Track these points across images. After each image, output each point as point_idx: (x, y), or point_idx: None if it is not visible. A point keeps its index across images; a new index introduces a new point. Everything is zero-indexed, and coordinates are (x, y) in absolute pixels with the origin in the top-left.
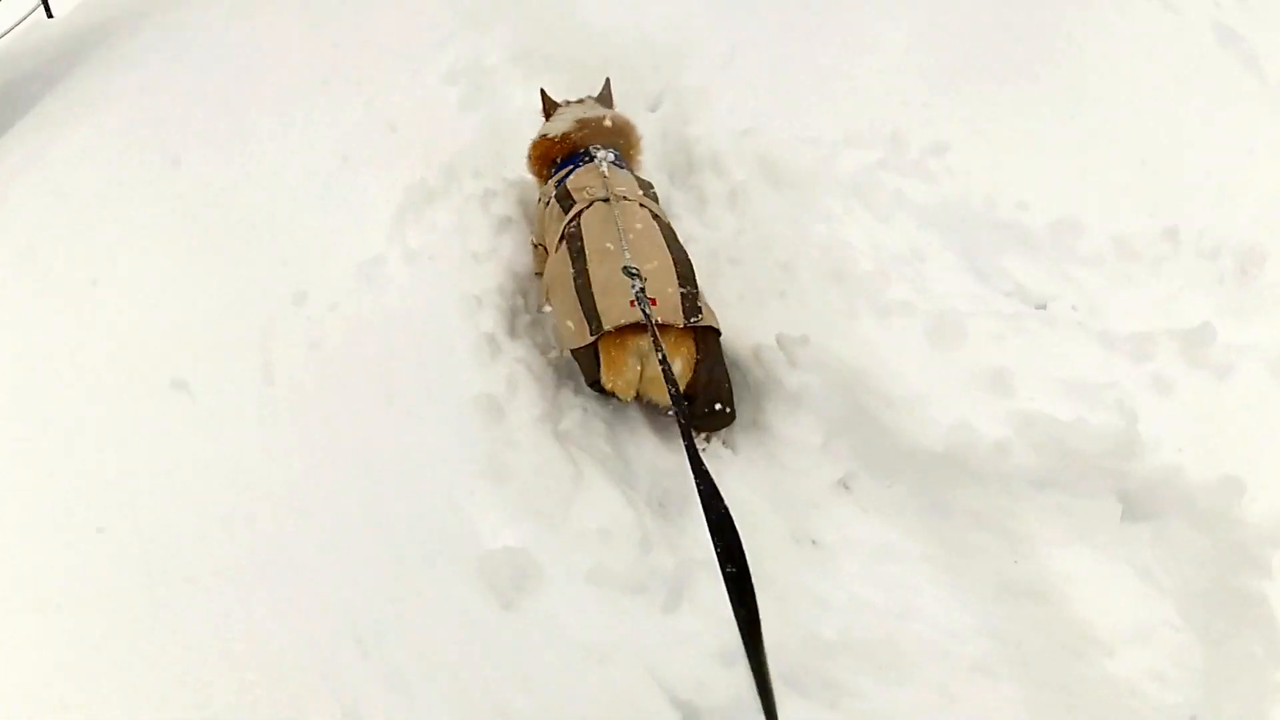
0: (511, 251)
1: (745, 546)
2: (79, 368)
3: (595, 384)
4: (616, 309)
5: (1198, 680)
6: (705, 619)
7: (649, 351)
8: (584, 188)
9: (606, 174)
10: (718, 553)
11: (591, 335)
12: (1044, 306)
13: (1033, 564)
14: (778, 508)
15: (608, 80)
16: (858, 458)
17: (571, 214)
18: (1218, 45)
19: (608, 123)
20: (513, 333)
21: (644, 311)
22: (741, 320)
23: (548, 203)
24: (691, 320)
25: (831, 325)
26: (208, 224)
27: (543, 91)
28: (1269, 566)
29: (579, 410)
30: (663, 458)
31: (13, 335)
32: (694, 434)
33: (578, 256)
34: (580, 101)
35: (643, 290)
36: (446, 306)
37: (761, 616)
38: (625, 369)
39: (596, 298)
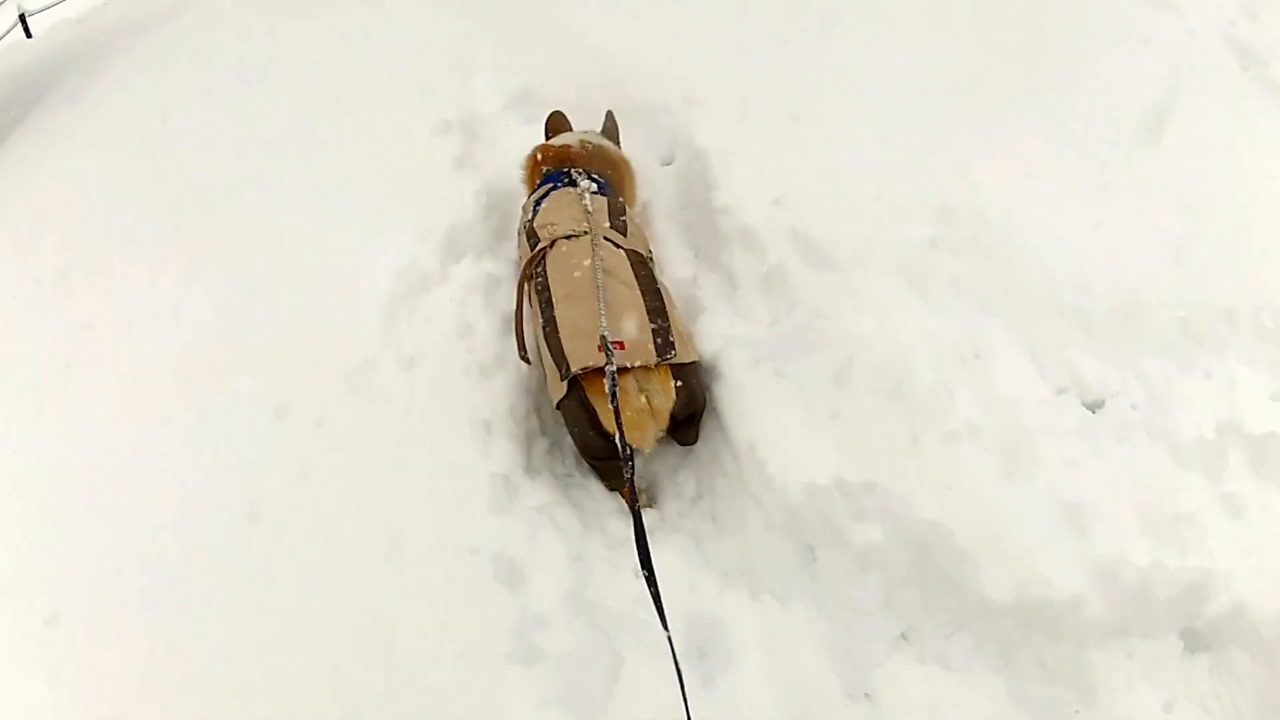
0: (518, 362)
1: (791, 698)
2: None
3: (588, 448)
4: (583, 351)
5: None
6: None
7: (642, 389)
8: (548, 224)
9: (590, 206)
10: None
11: (562, 380)
12: (1103, 403)
13: (1096, 713)
14: (831, 662)
15: (610, 114)
16: (921, 610)
17: (535, 254)
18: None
19: (611, 154)
20: (529, 468)
21: (607, 355)
22: (793, 450)
23: (525, 224)
24: (665, 357)
25: (896, 462)
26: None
27: (561, 114)
28: None
29: (608, 566)
30: (701, 600)
31: None
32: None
33: (546, 306)
34: (587, 130)
35: (605, 339)
36: (452, 435)
37: None
38: (627, 403)
39: (564, 341)
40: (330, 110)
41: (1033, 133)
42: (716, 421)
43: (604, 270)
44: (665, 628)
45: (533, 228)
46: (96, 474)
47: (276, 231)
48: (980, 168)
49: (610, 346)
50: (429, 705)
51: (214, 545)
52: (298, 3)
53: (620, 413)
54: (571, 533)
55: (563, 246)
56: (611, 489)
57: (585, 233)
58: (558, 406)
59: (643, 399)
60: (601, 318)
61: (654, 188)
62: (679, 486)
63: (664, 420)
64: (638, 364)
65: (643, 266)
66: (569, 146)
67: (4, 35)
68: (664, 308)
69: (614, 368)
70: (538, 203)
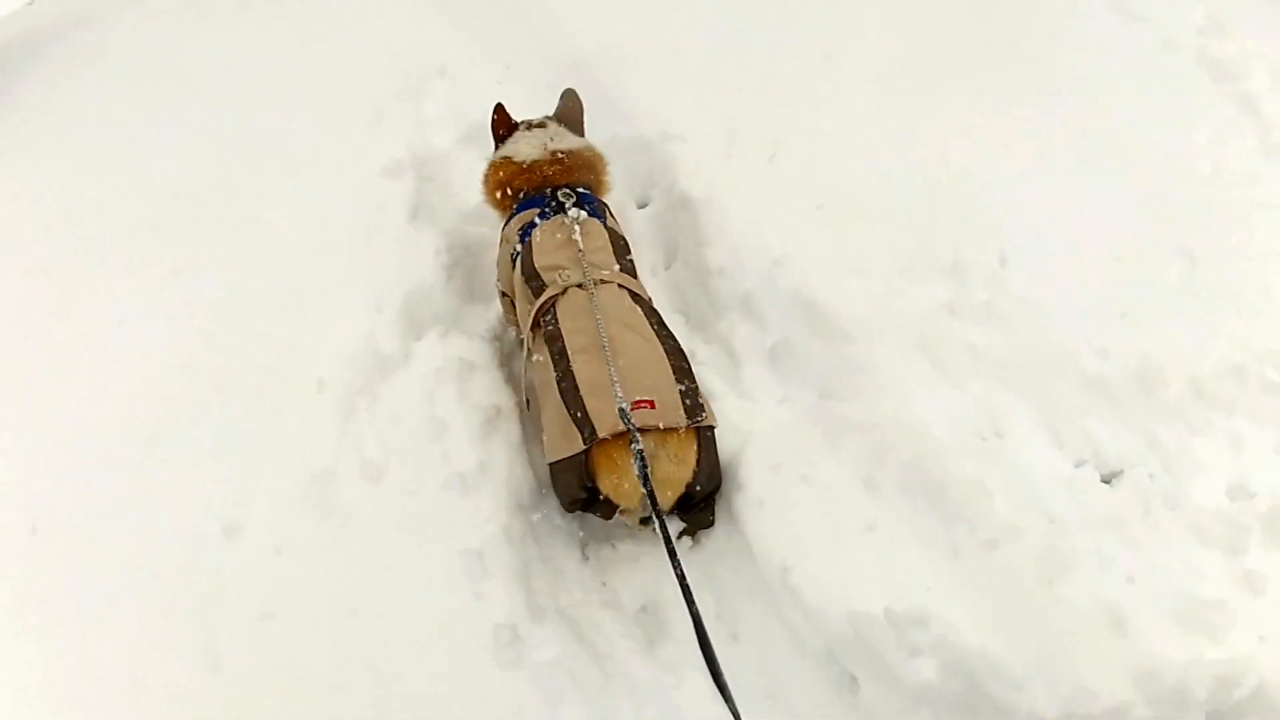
0: (509, 465)
1: None
2: None
3: (575, 502)
4: (609, 414)
5: None
6: None
7: (654, 452)
8: (554, 267)
9: (581, 244)
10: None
11: (585, 443)
12: (1120, 474)
13: None
14: None
15: (571, 93)
16: None
17: (543, 302)
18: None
19: (584, 154)
20: (532, 606)
21: (627, 425)
22: (830, 572)
23: (512, 255)
24: (695, 420)
25: (941, 580)
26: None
27: (501, 107)
28: None
29: None
30: None
31: None
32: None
33: (559, 357)
34: (542, 125)
35: (624, 407)
36: (438, 570)
37: None
38: (629, 470)
39: (585, 400)
40: (264, 145)
41: (1026, 174)
42: (740, 536)
43: (624, 325)
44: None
45: (534, 268)
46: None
47: (208, 298)
48: (993, 222)
49: (628, 413)
50: None
51: (171, 696)
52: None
53: (643, 478)
54: (592, 688)
55: (577, 295)
56: (605, 517)
57: (600, 280)
58: (554, 464)
59: (666, 465)
60: (614, 383)
61: (632, 235)
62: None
63: (679, 489)
64: (666, 426)
65: (656, 317)
66: (539, 163)
67: None
68: (689, 368)
69: (638, 441)
70: (524, 231)
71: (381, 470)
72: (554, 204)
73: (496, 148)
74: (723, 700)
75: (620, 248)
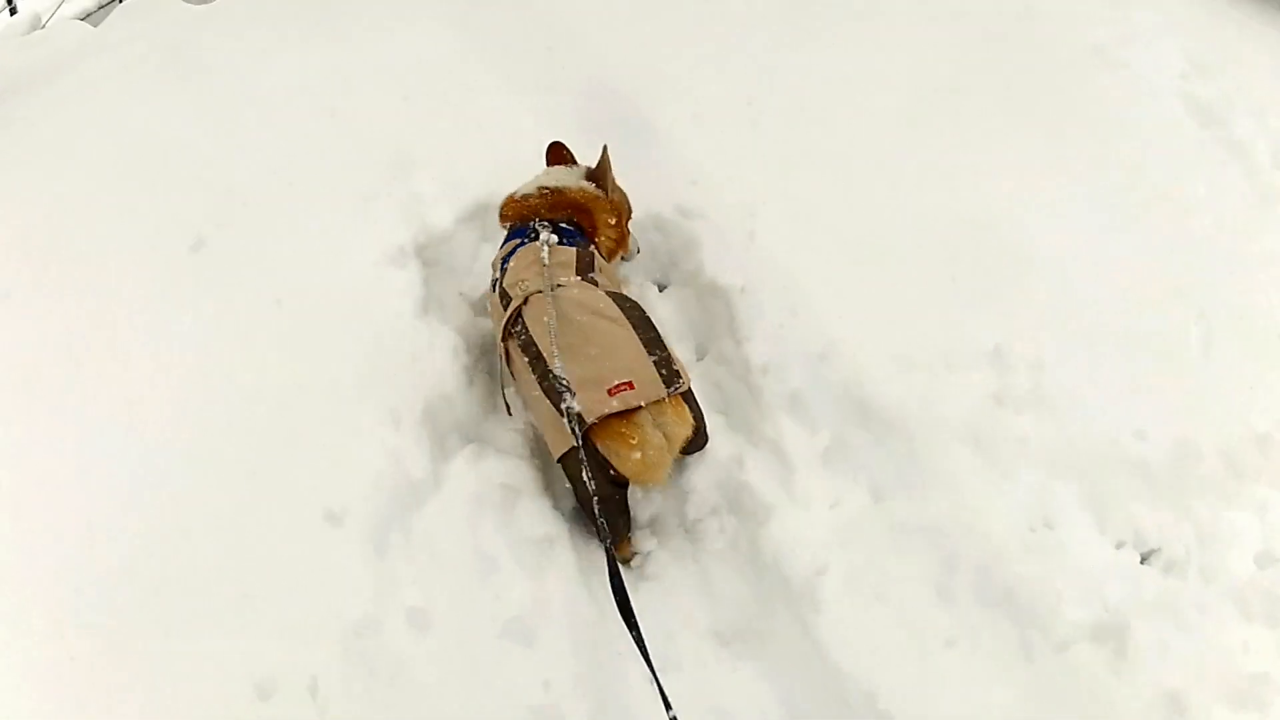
0: (570, 603)
1: None
2: None
3: (599, 495)
4: (594, 400)
5: None
6: None
7: (658, 421)
8: (518, 282)
9: (546, 260)
10: None
11: (576, 431)
12: (1158, 551)
13: None
14: None
15: (605, 149)
16: None
17: (510, 312)
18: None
19: (573, 193)
20: None
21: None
22: (916, 693)
23: (493, 281)
24: (673, 387)
25: (1022, 690)
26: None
27: (561, 145)
28: None
29: None
30: None
31: None
32: None
33: (536, 360)
34: (571, 166)
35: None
36: None
37: None
38: (646, 441)
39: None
40: (248, 236)
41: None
42: (818, 661)
43: (592, 312)
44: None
45: (504, 288)
46: None
47: (208, 413)
48: (1025, 310)
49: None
50: None
51: None
52: (191, 62)
53: (642, 451)
54: None
55: (540, 300)
56: (614, 542)
57: (557, 284)
58: (560, 460)
59: (659, 435)
60: (565, 386)
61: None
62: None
63: (678, 450)
64: (648, 402)
65: (622, 298)
66: (528, 197)
67: None
68: (658, 336)
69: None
70: (505, 260)
71: (428, 618)
72: (533, 234)
73: None
74: None
75: (585, 264)
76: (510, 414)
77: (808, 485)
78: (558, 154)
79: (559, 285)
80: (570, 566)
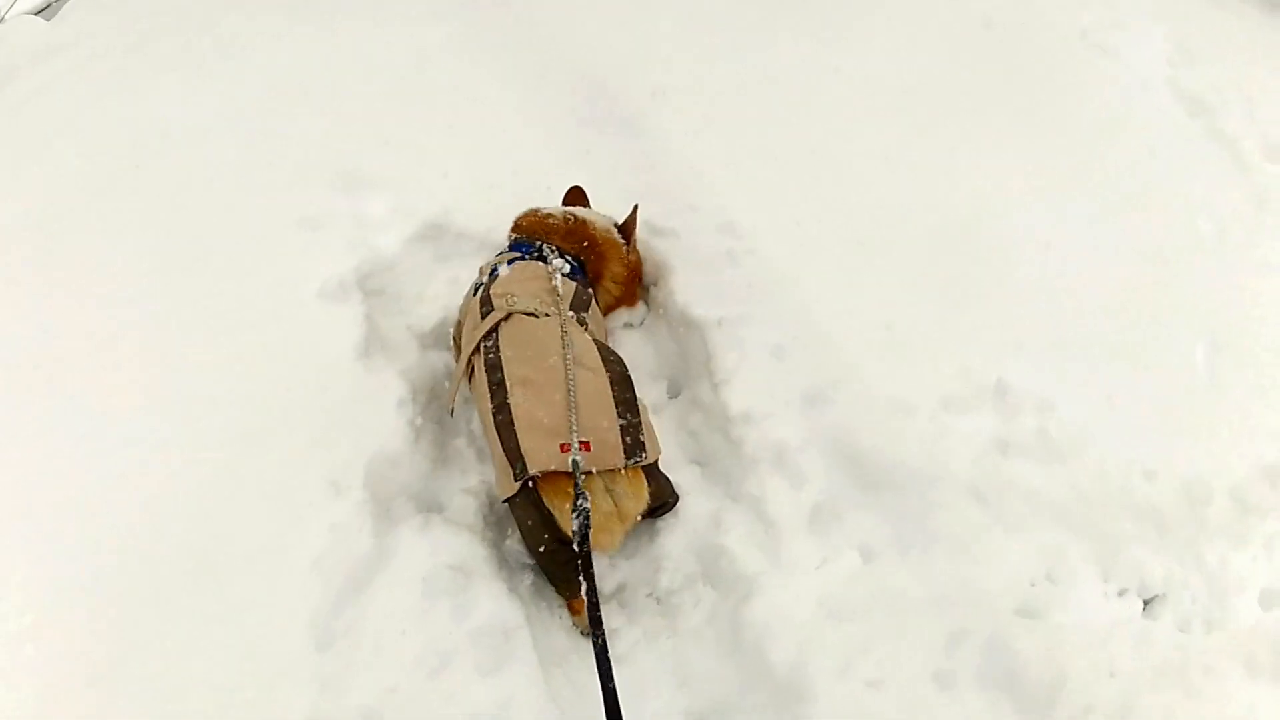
0: (535, 705)
1: None
2: None
3: (543, 554)
4: (543, 451)
5: None
6: None
7: (608, 489)
8: (507, 294)
9: (559, 284)
10: None
11: (516, 480)
12: (1163, 597)
13: None
14: None
15: (635, 208)
16: None
17: (487, 326)
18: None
19: (594, 229)
20: None
21: (574, 466)
22: None
23: (477, 285)
24: (634, 459)
25: None
26: None
27: (580, 190)
28: None
29: None
30: None
31: None
32: None
33: (497, 387)
34: (580, 209)
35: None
36: None
37: None
38: (594, 507)
39: (520, 435)
40: (175, 277)
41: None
42: None
43: (575, 360)
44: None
45: (488, 294)
46: None
47: (120, 497)
48: (1027, 339)
49: (575, 453)
50: None
51: None
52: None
53: (581, 536)
54: None
55: (522, 322)
56: (566, 597)
57: (544, 314)
58: (506, 501)
59: (610, 501)
60: (572, 417)
61: (621, 349)
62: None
63: (630, 522)
64: (600, 470)
65: (606, 347)
66: (551, 216)
67: None
68: (634, 399)
69: (580, 474)
70: (495, 268)
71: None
72: (537, 254)
73: None
74: None
75: (581, 302)
76: (452, 415)
77: (793, 549)
78: (577, 198)
79: (544, 314)
80: (529, 661)
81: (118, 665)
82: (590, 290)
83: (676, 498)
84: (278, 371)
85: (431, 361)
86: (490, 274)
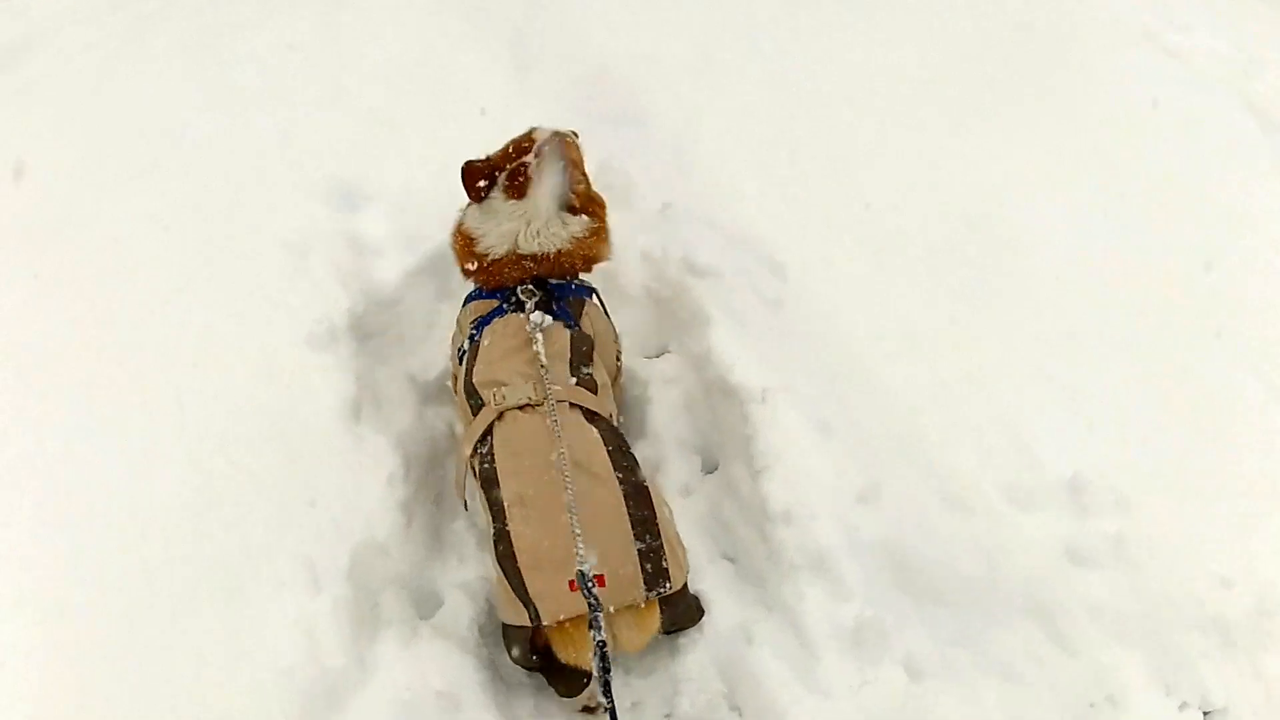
0: None
1: None
2: None
3: (523, 659)
4: (553, 596)
5: None
6: None
7: (612, 621)
8: (494, 383)
9: (541, 349)
10: None
11: (531, 623)
12: (1223, 710)
13: None
14: None
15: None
16: None
17: (479, 429)
18: None
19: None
20: None
21: (590, 603)
22: None
23: (460, 351)
24: (656, 591)
25: None
26: None
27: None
28: None
29: None
30: None
31: None
32: None
33: (496, 509)
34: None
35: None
36: None
37: None
38: (587, 650)
39: (525, 575)
40: (141, 321)
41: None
42: None
43: (574, 463)
44: None
45: (472, 385)
46: None
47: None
48: (1105, 432)
49: (588, 584)
50: None
51: None
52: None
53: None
54: None
55: (517, 420)
56: (566, 696)
57: (541, 401)
58: (504, 626)
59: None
60: (578, 542)
61: (650, 406)
62: None
63: (643, 645)
64: (617, 608)
65: (617, 442)
66: (515, 253)
67: None
68: (653, 516)
69: (598, 615)
70: (476, 328)
71: None
72: (515, 301)
73: None
74: None
75: (580, 356)
76: (466, 509)
77: (830, 667)
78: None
79: (540, 405)
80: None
81: None
82: (589, 337)
83: (702, 613)
84: (254, 444)
85: (430, 422)
86: (470, 339)
